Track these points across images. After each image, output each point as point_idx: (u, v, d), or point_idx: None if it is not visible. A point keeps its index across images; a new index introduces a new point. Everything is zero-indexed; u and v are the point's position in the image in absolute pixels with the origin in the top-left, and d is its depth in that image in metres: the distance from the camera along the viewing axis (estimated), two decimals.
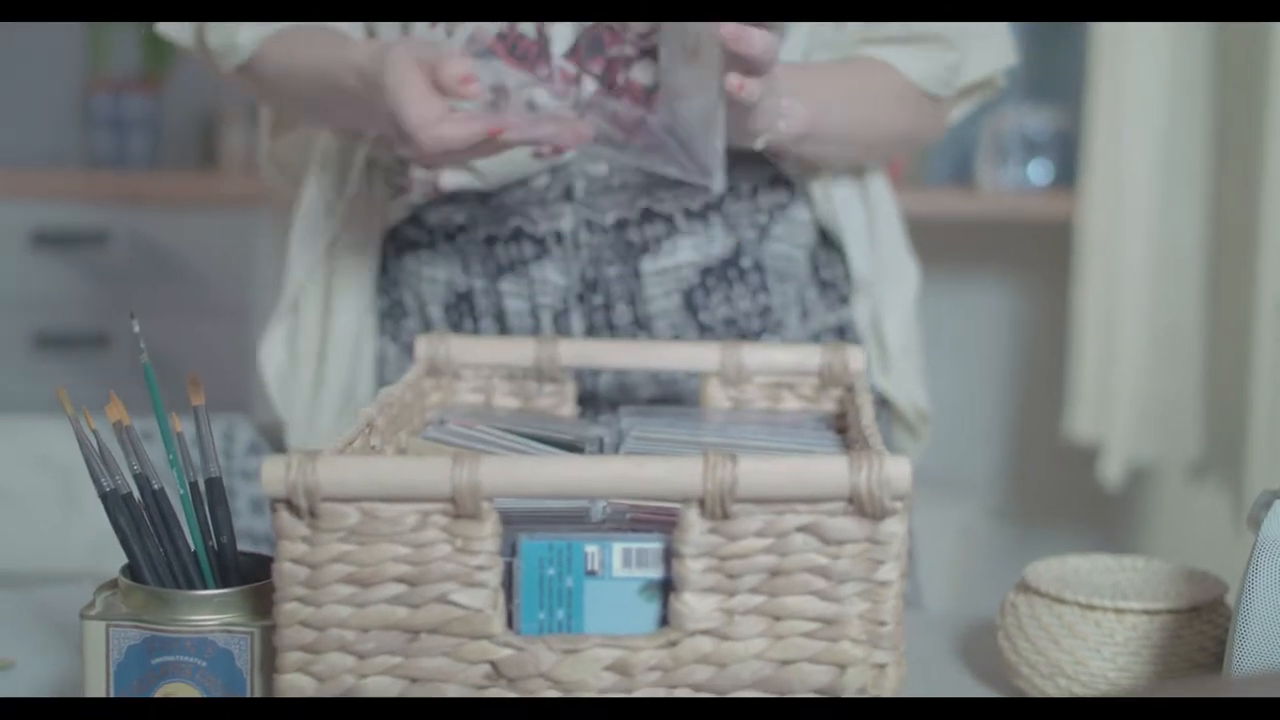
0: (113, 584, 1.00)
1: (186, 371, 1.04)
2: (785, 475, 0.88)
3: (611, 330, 1.36)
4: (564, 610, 0.90)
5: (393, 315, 1.42)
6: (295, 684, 0.90)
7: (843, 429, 1.17)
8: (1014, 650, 1.12)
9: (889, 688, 0.90)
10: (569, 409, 1.24)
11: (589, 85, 1.31)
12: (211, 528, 1.02)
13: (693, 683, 0.90)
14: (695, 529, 0.89)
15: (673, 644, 0.90)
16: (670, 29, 1.24)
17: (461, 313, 1.39)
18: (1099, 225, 2.68)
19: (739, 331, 1.38)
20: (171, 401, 1.02)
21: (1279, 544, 0.97)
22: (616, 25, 1.30)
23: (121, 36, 3.26)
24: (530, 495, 0.90)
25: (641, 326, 1.36)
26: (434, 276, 1.39)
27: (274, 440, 1.63)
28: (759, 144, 1.28)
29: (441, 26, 1.32)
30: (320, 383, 1.43)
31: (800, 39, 1.36)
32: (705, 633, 0.90)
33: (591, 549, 0.90)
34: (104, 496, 1.00)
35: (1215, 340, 2.70)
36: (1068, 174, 2.85)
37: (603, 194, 1.34)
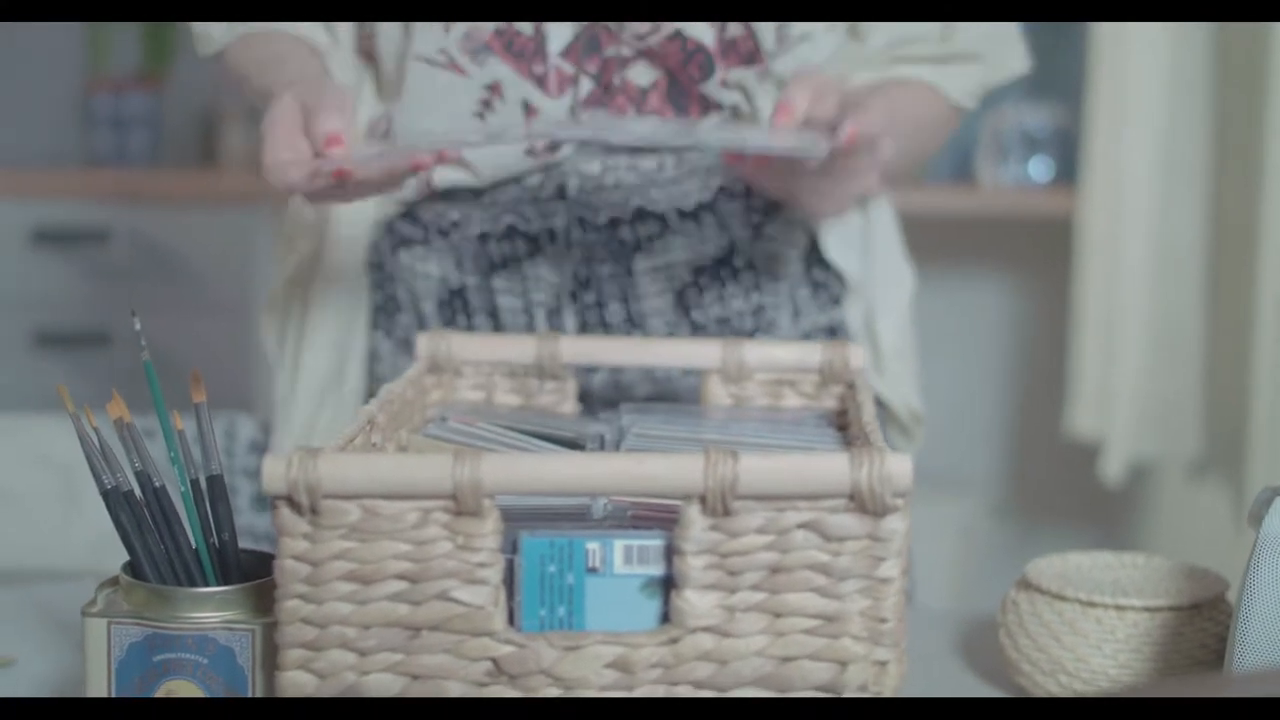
0: (114, 581, 1.00)
1: (187, 369, 1.04)
2: (786, 472, 0.88)
3: (605, 328, 1.37)
4: (565, 607, 0.90)
5: (386, 310, 1.42)
6: (296, 681, 0.90)
7: (843, 426, 1.17)
8: (1015, 648, 1.12)
9: (890, 685, 0.90)
10: (570, 406, 1.24)
11: (585, 85, 1.31)
12: (213, 525, 1.02)
13: (694, 680, 0.90)
14: (696, 526, 0.89)
15: (674, 641, 0.90)
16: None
17: (455, 309, 1.39)
18: (1099, 223, 2.68)
19: (731, 330, 1.38)
20: (172, 399, 1.02)
21: None
22: (614, 25, 1.31)
23: (122, 35, 3.26)
24: (531, 492, 0.90)
25: (634, 325, 1.37)
26: (428, 272, 1.40)
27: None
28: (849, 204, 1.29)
29: (439, 23, 1.32)
30: (297, 372, 1.43)
31: (823, 46, 1.36)
32: (706, 630, 0.90)
33: (593, 546, 0.90)
34: (105, 494, 1.00)
35: (1216, 337, 2.70)
36: (1068, 171, 2.85)
37: (596, 192, 1.34)
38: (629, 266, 1.36)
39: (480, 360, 1.23)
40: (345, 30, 1.40)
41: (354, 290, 1.42)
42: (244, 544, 1.03)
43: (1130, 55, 2.62)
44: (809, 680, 0.90)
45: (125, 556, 1.00)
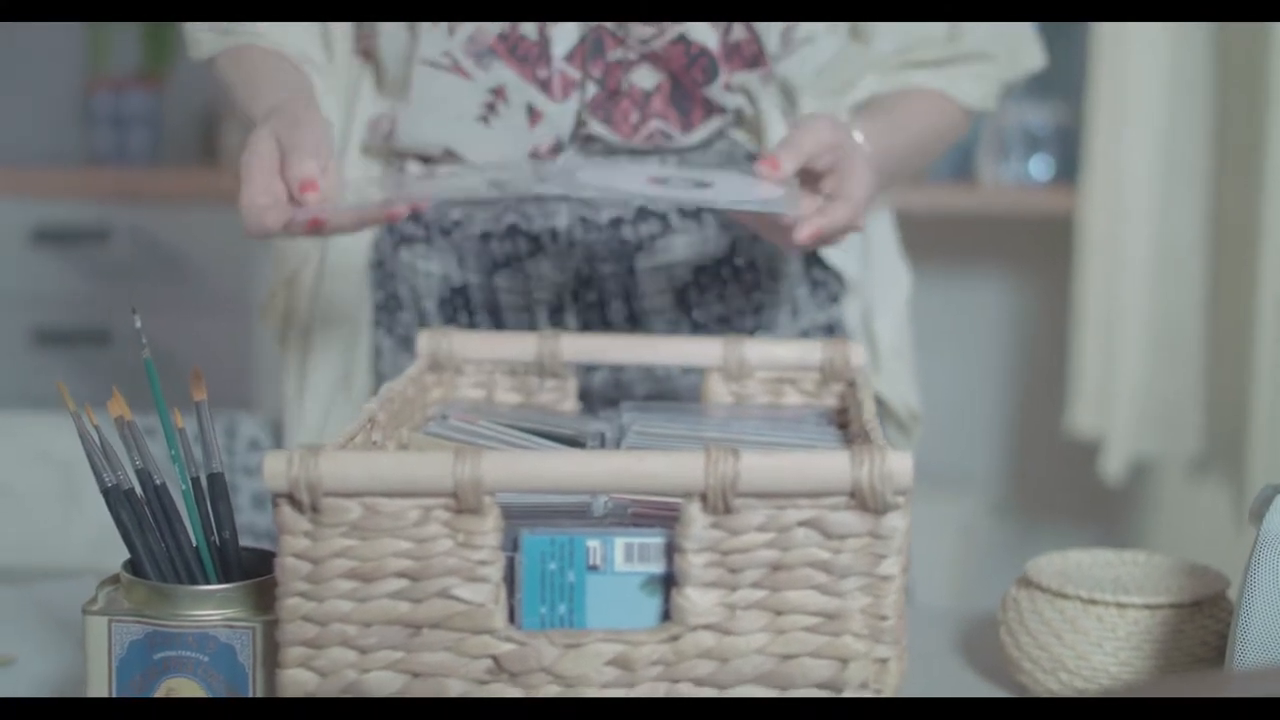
0: (115, 579, 1.00)
1: (188, 367, 1.04)
2: (787, 470, 0.88)
3: (606, 327, 1.37)
4: (566, 605, 0.90)
5: (388, 308, 1.42)
6: (297, 679, 0.90)
7: (844, 424, 1.17)
8: (1016, 645, 1.12)
9: (890, 683, 0.90)
10: (570, 404, 1.24)
11: (589, 89, 1.31)
12: (213, 523, 1.02)
13: (694, 677, 0.90)
14: (697, 524, 0.89)
15: (674, 639, 0.90)
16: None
17: (456, 307, 1.39)
18: (1100, 221, 2.67)
19: (731, 329, 1.38)
20: (173, 397, 1.02)
21: None
22: (618, 29, 1.30)
23: (122, 34, 3.26)
24: (532, 490, 0.90)
25: (635, 323, 1.37)
26: (429, 271, 1.40)
27: (276, 435, 1.63)
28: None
29: (444, 24, 1.32)
30: (304, 374, 1.43)
31: (826, 48, 1.36)
32: (707, 627, 0.90)
33: (593, 544, 0.90)
34: (106, 492, 1.00)
35: (1216, 335, 2.70)
36: (1069, 170, 2.85)
37: None
38: (630, 265, 1.36)
39: (481, 358, 1.23)
40: (341, 32, 1.39)
41: (357, 289, 1.42)
42: (244, 542, 1.03)
43: (1131, 54, 2.62)
44: (810, 678, 0.90)
45: (126, 554, 1.00)
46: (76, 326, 2.99)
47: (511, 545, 0.91)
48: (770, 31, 1.32)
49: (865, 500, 0.88)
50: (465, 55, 1.32)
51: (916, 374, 1.49)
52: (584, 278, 1.36)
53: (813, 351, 1.22)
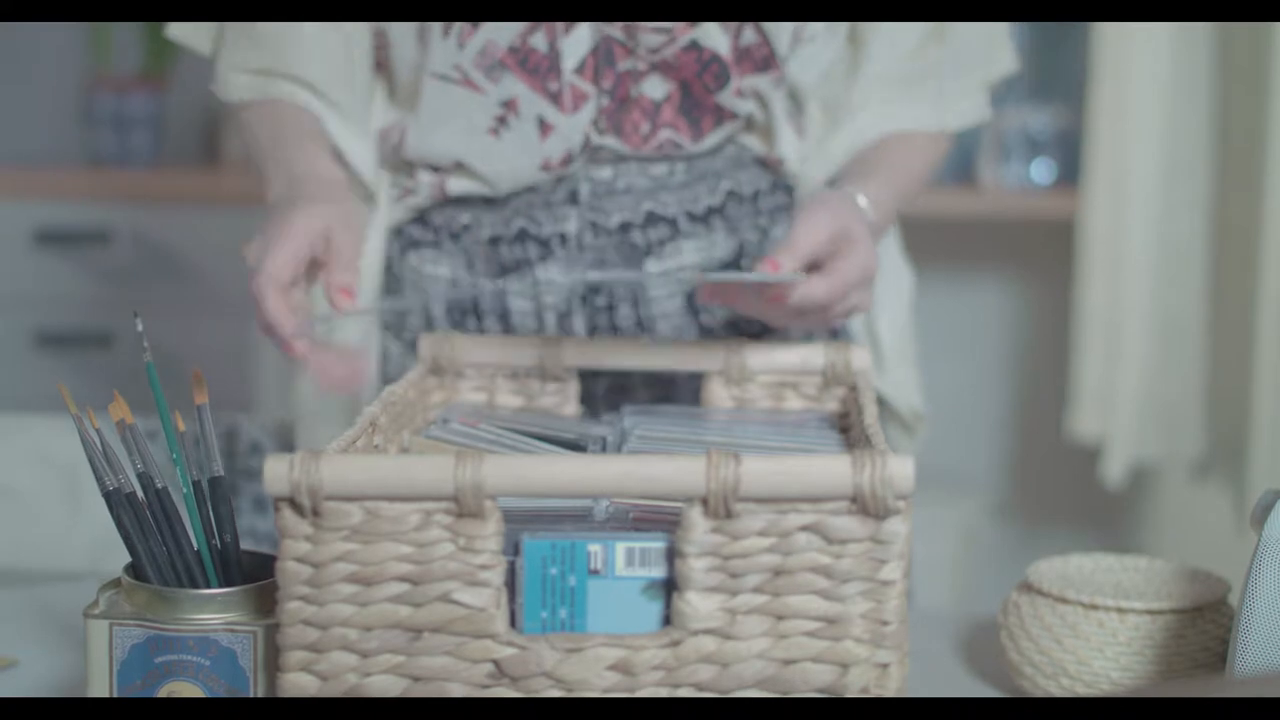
0: (116, 583, 1.00)
1: (189, 370, 1.04)
2: (788, 475, 0.88)
3: (614, 331, 1.37)
4: (567, 609, 0.90)
5: (396, 312, 1.42)
6: (298, 683, 0.90)
7: (846, 428, 1.17)
8: (1016, 650, 1.12)
9: (892, 687, 0.90)
10: (572, 408, 1.24)
11: (600, 100, 1.31)
12: (215, 526, 1.02)
13: (695, 682, 0.90)
14: (698, 528, 0.89)
15: (675, 643, 0.90)
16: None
17: (465, 311, 1.39)
18: (1101, 224, 2.67)
19: (739, 333, 1.38)
20: (174, 400, 1.02)
21: None
22: (628, 39, 1.30)
23: (123, 35, 3.26)
24: (533, 494, 0.90)
25: (644, 328, 1.37)
26: (438, 275, 1.40)
27: (277, 439, 1.63)
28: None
29: (454, 37, 1.31)
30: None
31: (826, 48, 1.36)
32: (708, 632, 0.90)
33: (594, 548, 0.90)
34: (107, 495, 1.00)
35: (1218, 339, 2.70)
36: (1070, 173, 2.85)
37: (607, 197, 1.34)
38: (639, 270, 1.36)
39: (483, 362, 1.23)
40: (363, 51, 1.37)
41: (367, 296, 1.42)
42: (246, 545, 1.03)
43: (1132, 56, 2.62)
44: (811, 683, 0.90)
45: (127, 558, 1.00)
46: (78, 329, 2.99)
47: (513, 549, 0.91)
48: (781, 33, 1.32)
49: (866, 505, 0.88)
50: (475, 68, 1.31)
51: (920, 374, 1.49)
52: (593, 282, 1.36)
53: (814, 355, 1.22)
